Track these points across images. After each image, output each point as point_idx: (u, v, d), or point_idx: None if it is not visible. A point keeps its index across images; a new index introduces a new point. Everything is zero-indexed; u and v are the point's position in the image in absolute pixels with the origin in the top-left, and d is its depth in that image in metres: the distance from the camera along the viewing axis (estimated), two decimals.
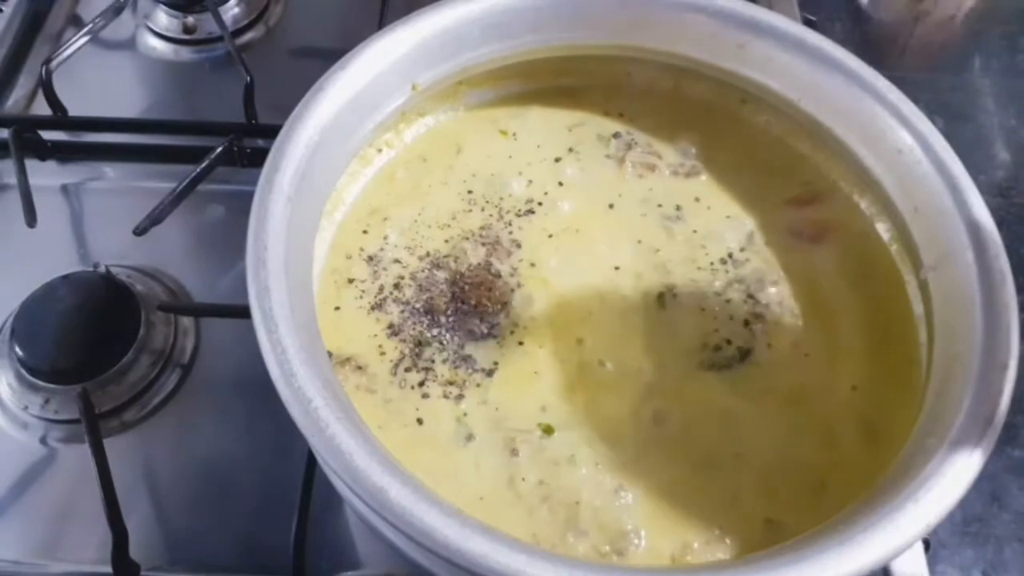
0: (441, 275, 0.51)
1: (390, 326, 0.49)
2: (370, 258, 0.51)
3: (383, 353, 0.48)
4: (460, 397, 0.47)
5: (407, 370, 0.48)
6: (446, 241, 0.52)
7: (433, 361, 0.48)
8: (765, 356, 0.49)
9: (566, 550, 0.42)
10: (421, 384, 0.47)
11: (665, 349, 0.49)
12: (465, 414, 0.46)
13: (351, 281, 0.50)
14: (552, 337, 0.49)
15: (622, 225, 0.54)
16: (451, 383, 0.47)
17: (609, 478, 0.45)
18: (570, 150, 0.57)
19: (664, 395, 0.47)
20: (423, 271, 0.51)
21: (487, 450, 0.45)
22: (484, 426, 0.46)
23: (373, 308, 0.50)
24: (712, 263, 0.52)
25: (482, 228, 0.53)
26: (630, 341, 0.49)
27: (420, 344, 0.48)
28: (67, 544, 0.52)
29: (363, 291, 0.50)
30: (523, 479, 0.44)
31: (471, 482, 0.44)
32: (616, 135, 0.57)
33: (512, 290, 0.51)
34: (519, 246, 0.52)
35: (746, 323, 0.50)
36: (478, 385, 0.47)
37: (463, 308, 0.50)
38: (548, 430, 0.46)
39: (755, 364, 0.49)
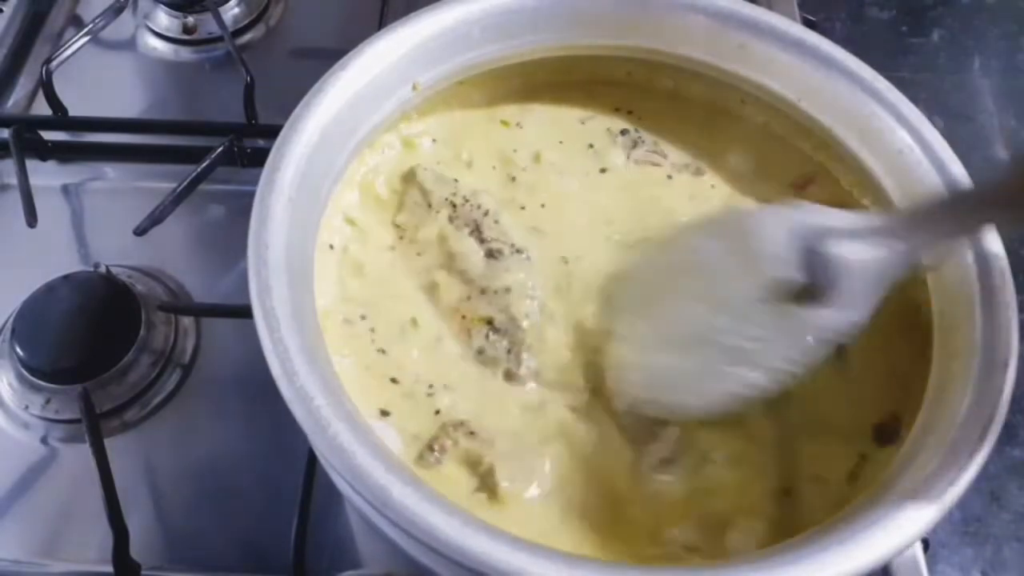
0: (447, 283, 0.51)
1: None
2: None
3: None
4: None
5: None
6: (445, 241, 0.52)
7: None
8: None
9: None
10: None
11: None
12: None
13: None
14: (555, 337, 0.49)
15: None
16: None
17: None
18: (567, 149, 0.57)
19: None
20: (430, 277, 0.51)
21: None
22: None
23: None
24: None
25: (482, 228, 0.53)
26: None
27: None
28: (68, 544, 0.52)
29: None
30: None
31: None
32: (623, 132, 0.57)
33: (522, 296, 0.50)
34: (521, 243, 0.52)
35: None
36: None
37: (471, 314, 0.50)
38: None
39: None
